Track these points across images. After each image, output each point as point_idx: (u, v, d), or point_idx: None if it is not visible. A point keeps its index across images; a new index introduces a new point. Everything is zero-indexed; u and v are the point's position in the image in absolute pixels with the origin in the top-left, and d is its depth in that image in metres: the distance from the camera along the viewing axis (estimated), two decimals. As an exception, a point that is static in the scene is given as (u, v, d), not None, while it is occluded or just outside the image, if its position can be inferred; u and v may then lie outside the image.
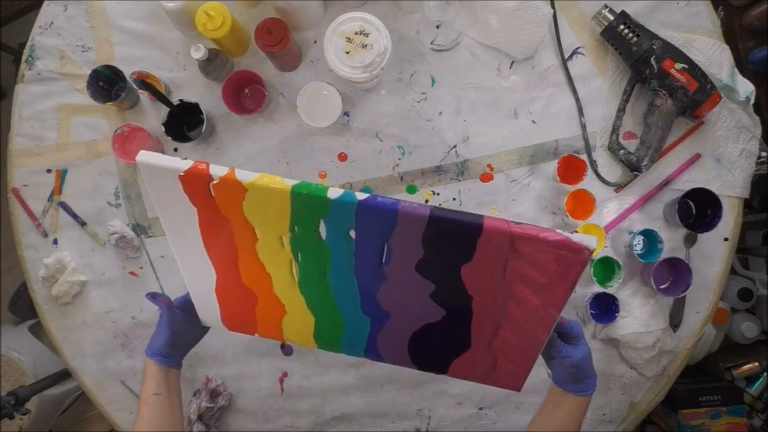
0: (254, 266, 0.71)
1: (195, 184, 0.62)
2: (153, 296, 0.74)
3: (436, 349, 0.77)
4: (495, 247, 0.63)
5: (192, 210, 0.65)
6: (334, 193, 0.61)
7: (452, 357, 0.76)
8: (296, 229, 0.66)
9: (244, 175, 0.61)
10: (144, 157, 0.61)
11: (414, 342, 0.76)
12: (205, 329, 0.78)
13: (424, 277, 0.69)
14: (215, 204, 0.64)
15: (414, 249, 0.65)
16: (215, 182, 0.61)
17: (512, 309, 0.70)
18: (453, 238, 0.64)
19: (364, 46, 0.80)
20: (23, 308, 1.69)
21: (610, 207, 0.93)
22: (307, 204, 0.62)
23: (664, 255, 0.88)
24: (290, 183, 0.61)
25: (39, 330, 1.56)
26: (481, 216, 0.61)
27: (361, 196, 0.61)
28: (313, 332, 0.77)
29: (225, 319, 0.77)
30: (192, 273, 0.73)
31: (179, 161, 0.61)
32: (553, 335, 0.71)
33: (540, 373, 0.96)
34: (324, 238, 0.66)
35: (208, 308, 0.76)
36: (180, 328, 0.75)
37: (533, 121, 0.95)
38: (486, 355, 0.75)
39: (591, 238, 0.60)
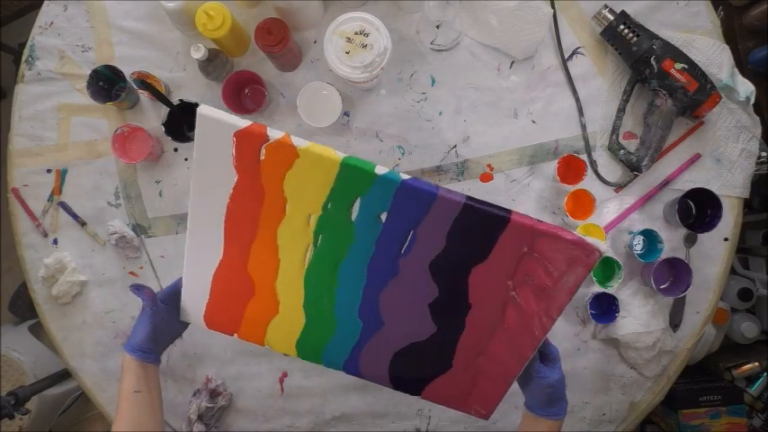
0: (268, 249, 0.71)
1: (249, 143, 0.63)
2: (137, 288, 0.73)
3: (416, 370, 0.77)
4: (515, 243, 0.66)
5: (231, 175, 0.66)
6: (381, 169, 0.63)
7: (429, 380, 0.77)
8: (329, 206, 0.67)
9: (298, 141, 0.62)
10: (205, 109, 0.62)
11: (396, 360, 0.76)
12: (185, 326, 0.77)
13: (432, 279, 0.70)
14: (258, 171, 0.65)
15: (437, 241, 0.67)
16: (270, 142, 0.62)
17: (509, 316, 0.71)
18: (479, 229, 0.66)
19: (364, 46, 0.80)
20: (23, 308, 1.69)
21: (610, 207, 0.93)
22: (351, 179, 0.64)
23: (664, 255, 0.88)
24: (341, 154, 0.62)
25: (39, 330, 1.56)
26: (509, 210, 0.64)
27: (404, 176, 0.63)
28: (297, 338, 0.76)
29: (208, 314, 0.75)
30: (198, 251, 0.72)
31: (239, 119, 0.62)
32: (535, 354, 0.72)
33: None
34: (353, 219, 0.67)
35: (195, 298, 0.75)
36: (161, 323, 0.74)
37: (533, 121, 0.95)
38: (463, 378, 0.76)
39: (600, 241, 0.63)
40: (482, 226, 0.65)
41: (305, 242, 0.70)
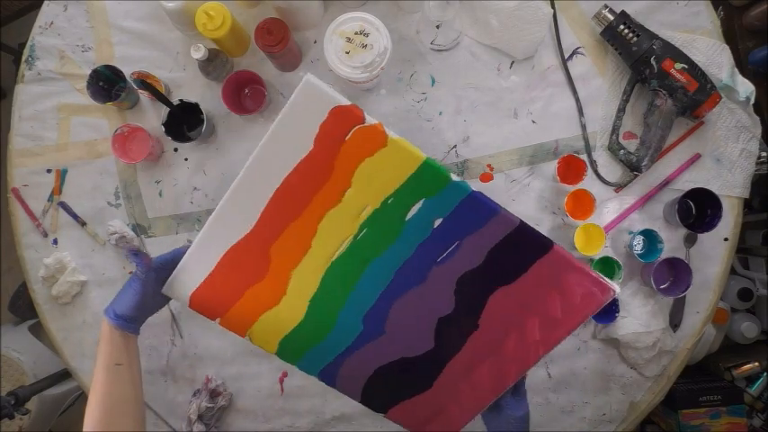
0: (305, 232, 0.71)
1: (341, 121, 0.66)
2: (135, 253, 0.70)
3: (393, 386, 0.77)
4: (546, 271, 0.71)
5: (306, 147, 0.68)
6: (455, 177, 0.68)
7: (402, 399, 0.77)
8: (390, 201, 0.70)
9: (390, 131, 0.66)
10: (313, 78, 0.65)
11: (378, 373, 0.76)
12: (167, 300, 0.74)
13: (454, 293, 0.73)
14: (336, 150, 0.68)
15: (476, 256, 0.71)
16: (363, 126, 0.66)
17: (508, 343, 0.74)
18: (519, 252, 0.71)
19: (364, 46, 0.80)
20: (23, 308, 1.69)
21: (610, 207, 0.93)
22: (424, 179, 0.68)
23: (664, 255, 0.88)
24: (423, 154, 0.67)
25: (39, 330, 1.56)
26: (551, 240, 0.70)
27: (474, 186, 0.68)
28: (285, 335, 0.75)
29: (199, 292, 0.73)
30: (224, 221, 0.71)
31: (341, 96, 0.66)
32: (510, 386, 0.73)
33: (540, 373, 0.96)
34: (407, 218, 0.70)
35: (193, 273, 0.72)
36: (151, 292, 0.70)
37: (533, 121, 0.95)
38: (435, 401, 0.77)
39: (615, 283, 0.71)
40: (524, 249, 0.70)
41: (346, 233, 0.71)
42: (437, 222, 0.70)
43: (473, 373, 0.75)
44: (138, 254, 0.70)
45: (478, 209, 0.69)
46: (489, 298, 0.73)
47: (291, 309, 0.74)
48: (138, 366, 0.71)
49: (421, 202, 0.69)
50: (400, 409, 0.77)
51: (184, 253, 0.71)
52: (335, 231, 0.72)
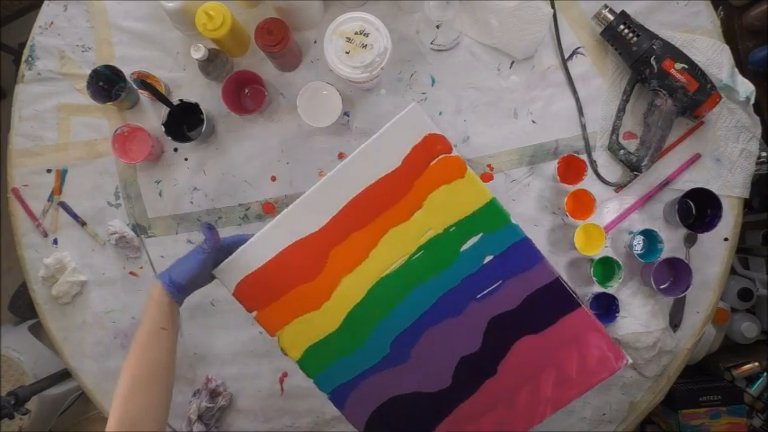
0: (366, 243, 0.76)
1: (431, 147, 0.74)
2: (209, 228, 0.73)
3: (398, 421, 0.78)
4: (571, 327, 0.75)
5: (394, 164, 0.75)
6: (513, 221, 0.75)
7: None
8: (452, 229, 0.75)
9: (468, 166, 0.74)
10: (418, 106, 0.74)
11: (388, 404, 0.77)
12: (212, 280, 0.76)
13: (483, 332, 0.77)
14: (419, 172, 0.75)
15: (513, 299, 0.76)
16: (449, 155, 0.74)
17: (521, 395, 0.76)
18: (550, 304, 0.76)
19: (364, 46, 0.80)
20: (23, 308, 1.69)
21: (610, 207, 0.93)
22: (487, 216, 0.75)
23: (664, 255, 0.88)
24: (491, 193, 0.74)
25: (39, 330, 1.56)
26: (580, 300, 0.76)
27: (522, 233, 0.75)
28: (312, 343, 0.77)
29: (245, 282, 0.75)
30: (297, 216, 0.75)
31: (434, 126, 0.74)
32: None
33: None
34: (461, 249, 0.75)
35: (248, 261, 0.75)
36: (206, 269, 0.73)
37: (533, 121, 0.95)
38: None
39: (628, 357, 0.76)
40: (555, 302, 0.75)
41: (404, 251, 0.76)
42: (487, 259, 0.75)
43: (479, 422, 0.77)
44: (211, 229, 0.73)
45: (526, 254, 0.75)
46: (514, 344, 0.76)
47: (329, 316, 0.76)
48: (177, 335, 0.72)
49: (479, 236, 0.75)
50: None
51: (245, 241, 0.75)
52: (394, 248, 0.76)
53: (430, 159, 0.75)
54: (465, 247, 0.76)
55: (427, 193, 0.75)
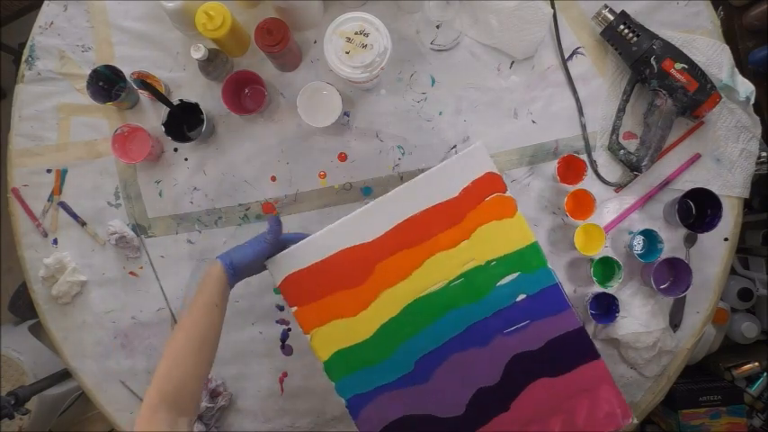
0: (411, 262, 0.79)
1: (489, 184, 0.79)
2: (277, 220, 0.76)
3: None
4: (587, 377, 0.78)
5: (453, 192, 0.79)
6: (549, 265, 0.79)
7: None
8: (492, 263, 0.79)
9: (519, 209, 0.79)
10: (483, 144, 0.79)
11: (401, 422, 0.79)
12: (262, 269, 0.79)
13: (504, 368, 0.79)
14: (473, 205, 0.79)
15: (537, 340, 0.79)
16: (503, 195, 0.79)
17: None
18: (571, 351, 0.79)
19: (364, 46, 0.80)
20: (23, 308, 1.69)
21: (610, 207, 0.93)
22: (526, 257, 0.79)
23: (664, 255, 0.88)
24: (534, 236, 0.79)
25: (39, 330, 1.56)
26: (599, 352, 0.79)
27: (556, 279, 0.79)
28: (344, 347, 0.79)
29: (293, 277, 0.79)
30: (355, 224, 0.79)
31: (494, 166, 0.79)
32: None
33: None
34: (497, 284, 0.79)
35: (302, 257, 0.79)
36: (263, 258, 0.77)
37: (533, 121, 0.95)
38: None
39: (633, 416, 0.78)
40: (576, 350, 0.79)
41: (444, 276, 0.79)
42: (520, 297, 0.79)
43: None
44: (278, 222, 0.77)
45: (556, 300, 0.79)
46: (531, 384, 0.79)
47: (364, 324, 0.79)
48: (224, 316, 0.74)
49: (516, 274, 0.79)
50: None
51: (301, 239, 0.79)
52: (436, 271, 0.79)
53: (486, 195, 0.79)
54: (501, 282, 0.79)
55: (477, 225, 0.79)
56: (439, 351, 0.79)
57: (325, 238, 0.79)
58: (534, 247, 0.79)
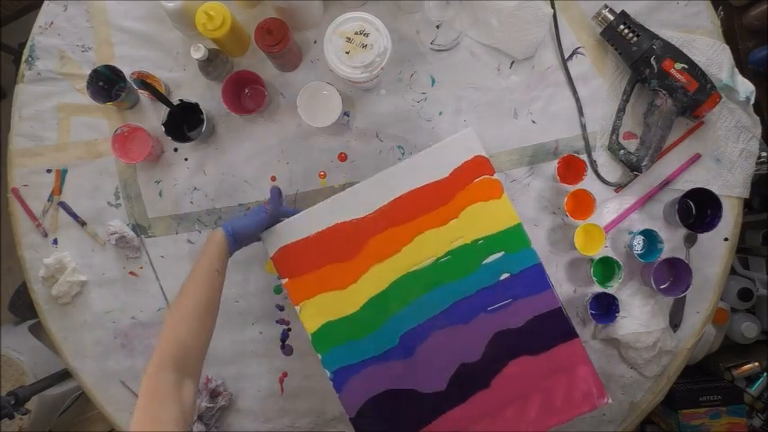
0: (401, 238, 0.82)
1: (477, 167, 0.83)
2: (279, 192, 0.81)
3: (388, 416, 0.81)
4: (565, 356, 0.81)
5: (443, 174, 0.83)
6: (533, 245, 0.82)
7: None
8: (479, 242, 0.82)
9: (505, 192, 0.82)
10: (472, 131, 0.83)
11: (383, 396, 0.81)
12: (257, 240, 0.82)
13: (485, 344, 0.81)
14: (461, 186, 0.82)
15: (519, 318, 0.81)
16: (491, 177, 0.82)
17: (508, 412, 0.81)
18: (551, 330, 0.81)
19: (364, 46, 0.80)
20: (23, 308, 1.69)
21: (610, 207, 0.93)
22: (511, 237, 0.82)
23: (664, 255, 0.88)
24: (518, 219, 0.82)
25: (39, 330, 1.56)
26: (577, 333, 0.81)
27: (539, 259, 0.82)
28: (332, 319, 0.82)
29: (286, 249, 0.82)
30: (349, 201, 0.83)
31: (483, 150, 0.83)
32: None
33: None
34: (483, 262, 0.82)
35: (296, 230, 0.83)
36: (261, 228, 0.81)
37: (533, 121, 0.95)
38: None
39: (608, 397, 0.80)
40: (555, 329, 0.81)
41: (433, 253, 0.82)
42: (504, 276, 0.82)
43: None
44: (279, 193, 0.81)
45: (538, 279, 0.81)
46: (512, 362, 0.81)
47: (352, 298, 0.82)
48: (224, 282, 0.76)
49: (501, 254, 0.82)
50: None
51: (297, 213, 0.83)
52: (426, 247, 0.82)
53: (474, 177, 0.82)
54: (487, 261, 0.82)
55: (465, 205, 0.82)
56: (424, 327, 0.82)
57: (320, 212, 0.82)
58: (518, 228, 0.82)
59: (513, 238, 0.82)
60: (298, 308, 0.82)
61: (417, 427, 0.81)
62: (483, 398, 0.81)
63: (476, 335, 0.81)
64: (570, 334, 0.81)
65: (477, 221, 0.82)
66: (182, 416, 0.61)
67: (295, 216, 0.83)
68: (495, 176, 0.82)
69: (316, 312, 0.82)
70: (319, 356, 0.82)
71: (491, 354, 0.81)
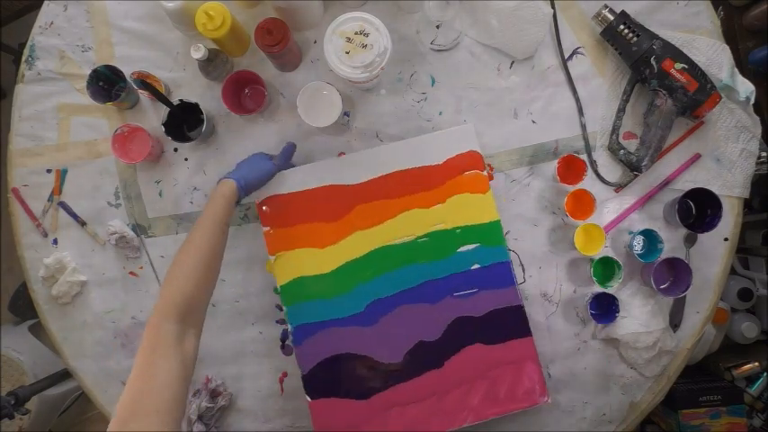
0: (388, 211, 0.88)
1: (470, 161, 0.89)
2: (292, 148, 0.86)
3: (340, 379, 0.86)
4: (516, 351, 0.86)
5: (437, 160, 0.89)
6: (506, 243, 0.88)
7: (338, 395, 0.86)
8: (458, 231, 0.88)
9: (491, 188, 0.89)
10: (472, 127, 0.90)
11: (340, 358, 0.86)
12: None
13: (446, 327, 0.86)
14: (452, 175, 0.88)
15: (481, 308, 0.87)
16: (481, 173, 0.88)
17: (454, 394, 0.85)
18: (509, 325, 0.86)
19: (364, 46, 0.80)
20: (23, 308, 1.69)
21: (610, 207, 0.93)
22: (487, 232, 0.87)
23: (664, 255, 0.88)
24: (498, 215, 0.88)
25: (39, 330, 1.56)
26: (531, 332, 0.87)
27: (509, 257, 0.88)
28: (304, 275, 0.86)
29: (276, 198, 0.88)
30: (345, 166, 0.88)
31: (478, 146, 0.89)
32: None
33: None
34: (458, 250, 0.87)
35: (287, 182, 0.88)
36: (268, 179, 0.84)
37: (533, 121, 0.95)
38: (360, 414, 0.86)
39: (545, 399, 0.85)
40: (512, 325, 0.86)
41: (414, 232, 0.88)
42: (474, 266, 0.87)
43: (407, 408, 0.85)
44: (293, 151, 0.86)
45: (505, 275, 0.87)
46: (467, 347, 0.86)
47: (329, 258, 0.87)
48: (227, 237, 0.77)
49: (476, 245, 0.87)
50: (326, 405, 0.86)
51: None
52: (408, 225, 0.87)
53: (465, 169, 0.88)
54: (462, 249, 0.87)
55: (453, 193, 0.88)
56: (391, 299, 0.86)
57: (314, 171, 0.87)
58: (497, 225, 0.87)
59: (490, 232, 0.87)
60: (272, 258, 0.86)
61: (366, 394, 0.85)
62: (433, 377, 0.86)
63: (438, 316, 0.86)
64: (526, 332, 0.86)
65: (460, 210, 0.87)
66: (182, 367, 0.62)
67: (289, 170, 0.87)
68: (485, 173, 0.88)
69: (289, 266, 0.86)
70: (285, 309, 0.87)
71: (449, 336, 0.86)
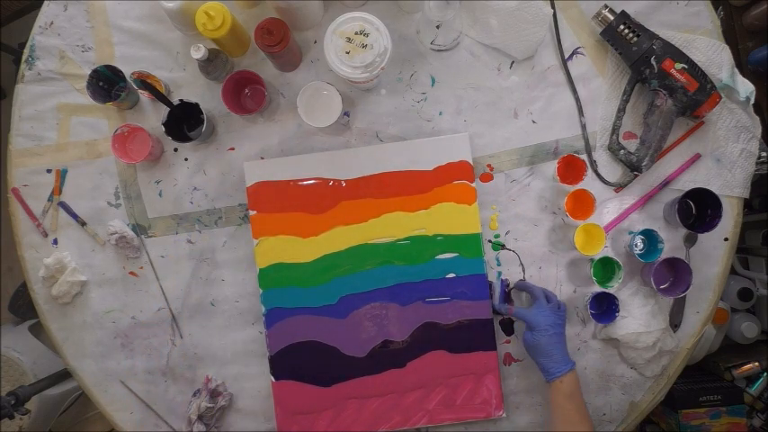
0: (373, 210, 0.90)
1: (460, 171, 0.90)
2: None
3: (305, 364, 0.89)
4: (479, 363, 0.88)
5: (427, 166, 0.91)
6: (485, 257, 0.90)
7: (302, 379, 0.90)
8: (438, 238, 0.90)
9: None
10: (467, 137, 0.91)
11: (307, 345, 0.90)
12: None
13: (414, 330, 0.89)
14: (441, 183, 0.90)
15: (450, 317, 0.89)
16: (470, 184, 0.90)
17: (413, 395, 0.89)
18: (476, 337, 0.89)
19: (364, 46, 0.80)
20: (23, 308, 1.69)
21: (610, 207, 0.93)
22: (467, 243, 0.89)
23: (664, 255, 0.88)
24: (480, 229, 0.90)
25: (39, 330, 1.56)
26: (496, 346, 0.89)
27: (485, 271, 0.90)
28: (284, 262, 0.89)
29: (267, 184, 0.91)
30: (338, 161, 0.90)
31: (471, 157, 0.91)
32: (541, 295, 0.86)
33: (540, 373, 0.95)
34: (436, 257, 0.89)
35: (279, 170, 0.91)
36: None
37: (533, 121, 0.95)
38: (322, 402, 0.89)
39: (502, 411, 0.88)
40: (479, 337, 0.89)
41: (395, 233, 0.90)
42: (450, 275, 0.89)
43: (367, 401, 0.88)
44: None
45: (479, 288, 0.89)
46: (430, 352, 0.89)
47: (309, 248, 0.90)
48: None
49: (455, 255, 0.89)
50: (288, 387, 0.89)
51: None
52: (390, 226, 0.89)
53: (454, 178, 0.90)
54: (439, 257, 0.89)
55: (438, 201, 0.89)
56: (364, 296, 0.89)
57: (305, 162, 0.89)
58: (477, 237, 0.89)
59: (470, 244, 0.89)
60: (255, 241, 0.89)
61: (328, 383, 0.88)
62: (394, 376, 0.89)
63: (408, 318, 0.89)
64: (491, 346, 0.89)
65: (443, 219, 0.89)
66: None
67: (281, 159, 0.90)
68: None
69: (271, 251, 0.89)
70: (260, 291, 0.89)
71: (415, 339, 0.89)
